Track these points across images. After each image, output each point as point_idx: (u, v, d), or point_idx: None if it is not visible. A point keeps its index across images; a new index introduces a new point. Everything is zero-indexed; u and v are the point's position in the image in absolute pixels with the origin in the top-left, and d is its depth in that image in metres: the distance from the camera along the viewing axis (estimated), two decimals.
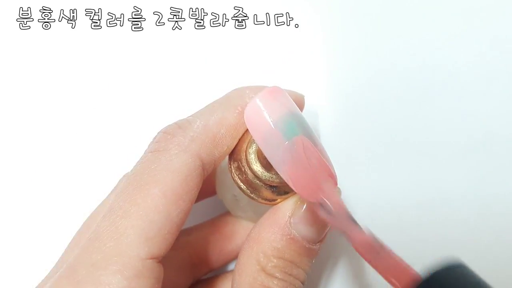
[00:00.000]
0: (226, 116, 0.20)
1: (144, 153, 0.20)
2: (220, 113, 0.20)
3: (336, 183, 0.19)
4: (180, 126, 0.20)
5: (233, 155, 0.21)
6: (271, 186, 0.21)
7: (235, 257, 0.25)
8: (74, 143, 0.28)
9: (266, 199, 0.21)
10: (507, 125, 0.26)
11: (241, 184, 0.21)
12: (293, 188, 0.19)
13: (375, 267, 0.16)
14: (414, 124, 0.27)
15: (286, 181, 0.19)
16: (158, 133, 0.21)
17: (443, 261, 0.14)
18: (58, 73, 0.28)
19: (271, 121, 0.19)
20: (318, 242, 0.20)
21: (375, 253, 0.16)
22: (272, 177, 0.20)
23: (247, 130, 0.21)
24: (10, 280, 0.27)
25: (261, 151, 0.20)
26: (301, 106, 0.24)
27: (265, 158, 0.20)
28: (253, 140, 0.21)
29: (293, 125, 0.19)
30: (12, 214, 0.28)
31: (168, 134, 0.20)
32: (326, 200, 0.18)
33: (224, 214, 0.26)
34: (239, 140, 0.21)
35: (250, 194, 0.21)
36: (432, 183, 0.27)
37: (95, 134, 0.28)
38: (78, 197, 0.28)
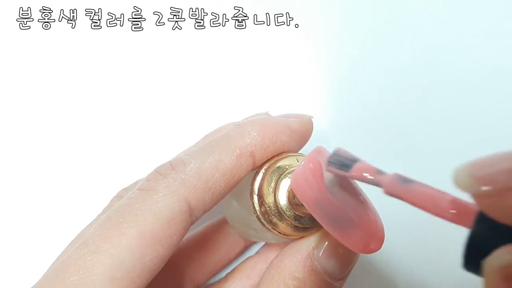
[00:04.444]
0: (223, 159, 0.20)
1: (134, 189, 0.20)
2: (217, 156, 0.20)
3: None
4: (173, 167, 0.19)
5: (261, 198, 0.21)
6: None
7: (219, 270, 0.25)
8: (74, 144, 0.28)
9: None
10: (508, 124, 0.26)
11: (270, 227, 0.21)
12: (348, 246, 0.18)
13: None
14: (414, 123, 0.27)
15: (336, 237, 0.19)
16: (152, 171, 0.20)
17: None
18: (58, 73, 0.28)
19: (324, 186, 0.18)
20: (339, 280, 0.20)
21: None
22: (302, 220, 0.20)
23: (260, 167, 0.21)
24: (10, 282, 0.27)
25: (293, 194, 0.20)
26: (309, 129, 0.23)
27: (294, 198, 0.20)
28: (281, 180, 0.21)
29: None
30: (12, 217, 0.28)
31: (159, 174, 0.19)
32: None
33: (205, 227, 0.26)
34: (256, 177, 0.21)
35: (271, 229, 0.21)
36: (432, 183, 0.27)
37: (96, 135, 0.28)
38: (77, 201, 0.28)
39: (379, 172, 0.17)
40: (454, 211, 0.15)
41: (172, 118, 0.28)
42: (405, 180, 0.16)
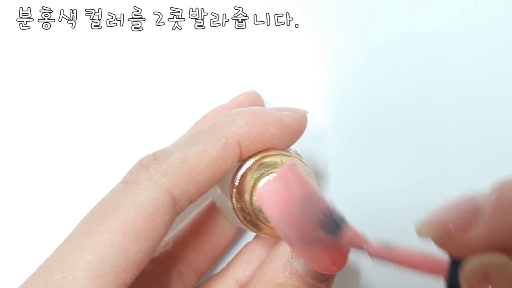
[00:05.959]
0: (208, 149, 0.19)
1: (118, 182, 0.19)
2: (202, 145, 0.19)
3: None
4: (156, 158, 0.19)
5: (239, 193, 0.21)
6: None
7: (218, 255, 0.25)
8: (74, 143, 0.28)
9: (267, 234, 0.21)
10: (507, 124, 0.26)
11: (245, 222, 0.21)
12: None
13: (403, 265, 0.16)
14: (413, 123, 0.27)
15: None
16: (135, 163, 0.20)
17: None
18: (58, 73, 0.28)
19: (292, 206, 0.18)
20: (324, 281, 0.19)
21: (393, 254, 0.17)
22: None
23: (245, 161, 0.21)
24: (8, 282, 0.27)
25: None
26: (302, 125, 0.22)
27: None
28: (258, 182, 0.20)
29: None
30: (12, 217, 0.28)
31: (142, 166, 0.19)
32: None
33: (196, 214, 0.26)
34: (239, 171, 0.20)
35: (252, 229, 0.21)
36: (432, 183, 0.27)
37: (95, 134, 0.28)
38: (78, 199, 0.28)
39: (364, 239, 0.17)
40: (433, 267, 0.16)
41: (172, 118, 0.28)
42: (389, 247, 0.17)
